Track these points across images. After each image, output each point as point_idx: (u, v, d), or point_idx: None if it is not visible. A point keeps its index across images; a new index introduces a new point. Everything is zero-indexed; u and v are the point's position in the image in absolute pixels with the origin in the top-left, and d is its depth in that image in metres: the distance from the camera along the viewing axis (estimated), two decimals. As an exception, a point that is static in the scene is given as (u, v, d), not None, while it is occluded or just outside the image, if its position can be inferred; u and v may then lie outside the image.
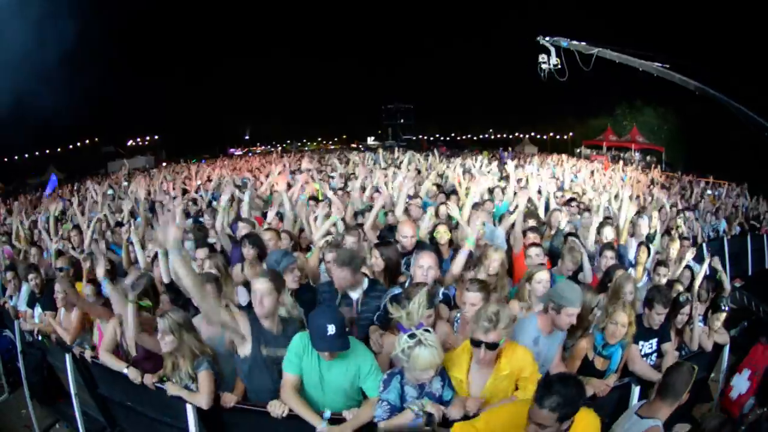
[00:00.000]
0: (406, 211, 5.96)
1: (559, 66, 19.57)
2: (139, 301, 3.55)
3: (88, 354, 3.93)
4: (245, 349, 3.10)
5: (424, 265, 3.67)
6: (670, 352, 3.85)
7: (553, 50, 19.66)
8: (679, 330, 4.17)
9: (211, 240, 5.57)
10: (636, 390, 3.49)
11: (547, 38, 19.73)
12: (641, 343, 3.80)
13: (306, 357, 2.89)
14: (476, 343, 2.78)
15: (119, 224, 6.94)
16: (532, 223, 5.67)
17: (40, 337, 4.92)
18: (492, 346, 2.75)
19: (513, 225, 5.30)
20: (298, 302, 3.49)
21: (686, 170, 24.49)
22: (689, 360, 3.97)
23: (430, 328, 2.73)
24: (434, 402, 2.71)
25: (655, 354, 3.88)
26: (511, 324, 2.79)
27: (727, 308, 4.40)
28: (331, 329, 2.69)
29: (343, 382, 2.90)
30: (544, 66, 19.96)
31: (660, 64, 15.13)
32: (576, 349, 3.59)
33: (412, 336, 2.62)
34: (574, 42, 18.79)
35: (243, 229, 5.35)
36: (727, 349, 4.40)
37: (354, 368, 2.88)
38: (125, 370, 3.45)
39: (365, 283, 3.74)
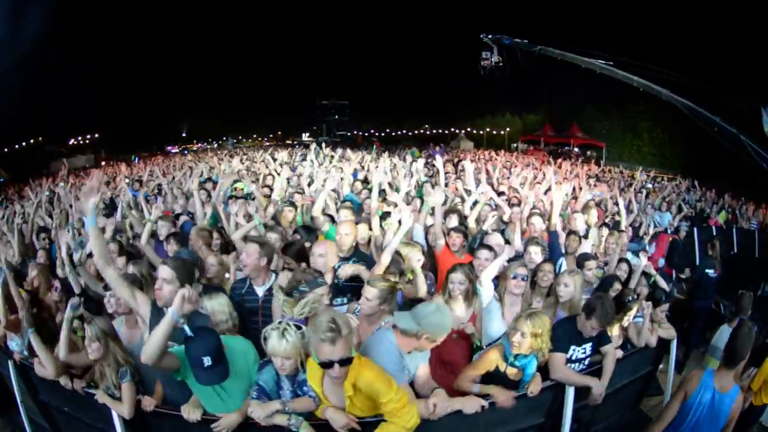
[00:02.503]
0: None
1: (501, 63, 19.65)
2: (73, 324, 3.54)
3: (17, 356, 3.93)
4: (145, 333, 3.14)
5: (317, 252, 3.89)
6: (611, 352, 3.57)
7: (495, 47, 19.71)
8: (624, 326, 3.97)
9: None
10: (570, 390, 3.35)
11: (489, 36, 19.76)
12: (573, 348, 3.44)
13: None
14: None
15: (44, 229, 6.47)
16: (455, 219, 5.40)
17: None
18: (327, 365, 2.43)
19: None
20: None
21: (630, 165, 25.10)
22: (633, 355, 3.96)
23: (302, 325, 2.69)
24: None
25: (588, 359, 3.55)
26: (350, 336, 2.45)
27: (664, 299, 4.38)
28: (207, 361, 2.60)
29: (243, 384, 2.85)
30: (485, 63, 19.99)
31: (603, 62, 15.19)
32: (483, 359, 3.23)
33: (280, 323, 2.66)
34: (516, 39, 18.81)
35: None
36: (674, 343, 4.32)
37: (244, 366, 2.85)
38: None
39: (272, 277, 3.83)
